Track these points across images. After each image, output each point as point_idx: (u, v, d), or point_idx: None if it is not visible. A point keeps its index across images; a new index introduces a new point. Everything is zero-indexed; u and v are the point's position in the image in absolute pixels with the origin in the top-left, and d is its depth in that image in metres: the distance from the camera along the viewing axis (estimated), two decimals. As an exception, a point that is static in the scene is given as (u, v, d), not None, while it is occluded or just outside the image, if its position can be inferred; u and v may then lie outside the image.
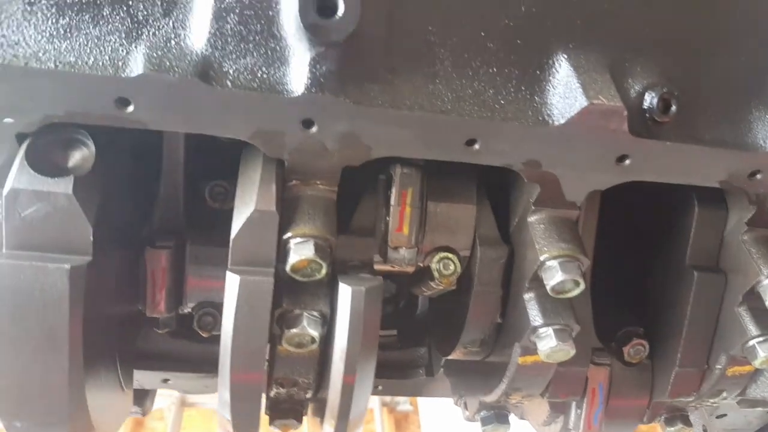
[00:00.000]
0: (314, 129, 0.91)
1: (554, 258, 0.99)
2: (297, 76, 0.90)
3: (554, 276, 0.98)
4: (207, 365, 1.37)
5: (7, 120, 0.89)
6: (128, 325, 1.21)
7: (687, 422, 1.30)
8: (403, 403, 5.40)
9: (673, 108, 0.99)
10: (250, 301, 0.91)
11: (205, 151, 1.20)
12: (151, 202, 1.16)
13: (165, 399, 5.05)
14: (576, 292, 0.99)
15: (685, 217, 1.16)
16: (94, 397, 0.95)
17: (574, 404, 1.22)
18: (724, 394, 1.23)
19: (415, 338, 1.58)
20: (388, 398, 5.28)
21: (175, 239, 1.15)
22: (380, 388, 1.56)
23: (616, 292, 1.26)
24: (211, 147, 1.19)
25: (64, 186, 0.87)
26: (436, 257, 1.11)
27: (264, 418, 1.16)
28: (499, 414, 1.24)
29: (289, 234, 0.95)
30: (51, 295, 0.85)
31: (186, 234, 1.17)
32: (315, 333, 0.95)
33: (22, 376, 0.87)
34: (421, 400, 5.43)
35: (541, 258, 1.00)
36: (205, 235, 1.18)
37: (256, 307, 0.91)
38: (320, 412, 1.10)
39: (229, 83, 0.90)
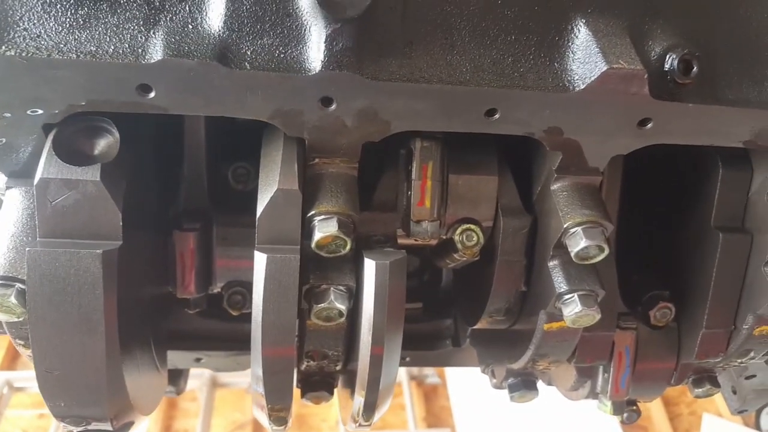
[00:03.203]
0: (333, 107, 0.92)
1: (578, 225, 0.99)
2: (314, 54, 0.90)
3: (578, 242, 0.98)
4: (238, 343, 1.40)
5: (35, 111, 0.91)
6: (160, 306, 1.24)
7: (715, 383, 1.30)
8: (431, 376, 5.45)
9: (695, 69, 0.97)
10: (279, 278, 0.93)
11: (225, 133, 1.21)
12: (176, 185, 1.18)
13: (197, 380, 5.15)
14: (600, 257, 1.00)
15: (710, 179, 1.15)
16: (132, 377, 0.99)
17: (601, 369, 1.23)
18: (752, 354, 1.23)
19: (440, 310, 1.60)
20: (415, 371, 5.33)
21: (201, 221, 1.17)
22: (408, 359, 1.58)
23: (640, 257, 1.26)
24: (232, 129, 1.21)
25: (91, 174, 0.89)
26: (459, 229, 1.11)
27: (296, 391, 1.19)
28: (526, 381, 1.25)
29: (312, 212, 0.96)
30: (85, 279, 0.87)
31: (212, 216, 1.19)
32: (342, 307, 0.97)
33: (63, 358, 0.90)
34: (448, 373, 5.48)
35: (565, 225, 1.00)
36: (230, 216, 1.20)
37: (284, 283, 0.93)
38: (350, 384, 1.12)
39: (247, 65, 0.90)
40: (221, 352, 1.43)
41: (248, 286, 1.20)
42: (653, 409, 5.17)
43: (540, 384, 1.36)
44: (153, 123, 1.06)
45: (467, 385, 5.29)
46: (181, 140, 1.16)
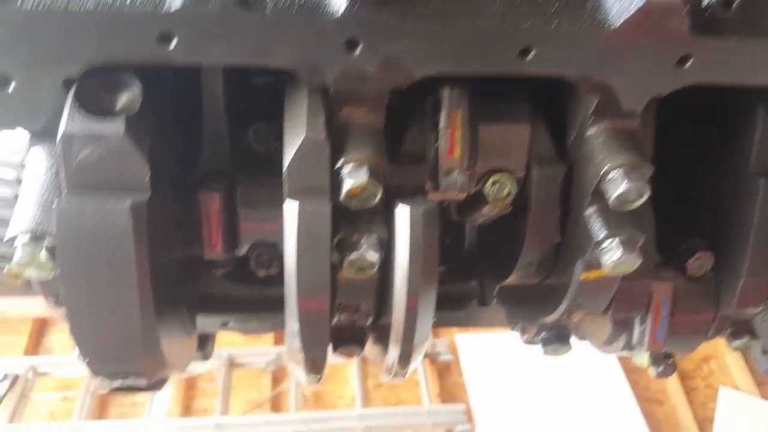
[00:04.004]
0: (359, 50, 0.89)
1: (617, 168, 0.96)
2: (338, -6, 0.87)
3: (618, 186, 0.95)
4: (264, 306, 1.39)
5: (54, 66, 0.89)
6: (189, 269, 1.22)
7: (754, 335, 1.27)
8: (444, 353, 5.47)
9: (736, 1, 0.93)
10: (311, 228, 0.91)
11: (244, 93, 1.19)
12: (198, 146, 1.16)
13: (214, 361, 5.20)
14: (640, 201, 0.96)
15: (749, 122, 1.11)
16: (165, 334, 0.97)
17: (637, 320, 1.20)
18: (794, 302, 1.20)
19: (464, 273, 1.58)
20: (428, 348, 5.35)
21: (225, 181, 1.15)
22: (434, 319, 1.56)
23: (676, 205, 1.23)
24: (250, 90, 1.18)
25: (116, 126, 0.87)
26: (490, 180, 1.08)
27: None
28: (559, 334, 1.23)
29: (341, 162, 0.94)
30: (115, 232, 0.86)
31: (234, 177, 1.17)
32: (374, 257, 0.95)
33: (96, 312, 0.89)
34: (461, 349, 5.48)
35: (604, 169, 0.97)
36: (253, 176, 1.18)
37: (316, 232, 0.91)
38: (382, 340, 1.11)
39: (268, 9, 0.88)
40: (248, 314, 1.41)
41: (273, 246, 1.19)
42: (669, 382, 5.18)
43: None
44: (173, 83, 1.04)
45: (480, 361, 5.30)
46: (200, 101, 1.14)
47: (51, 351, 5.39)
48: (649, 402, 5.14)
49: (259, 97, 1.18)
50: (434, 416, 4.75)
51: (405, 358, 1.01)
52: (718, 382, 5.13)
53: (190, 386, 5.31)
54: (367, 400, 5.06)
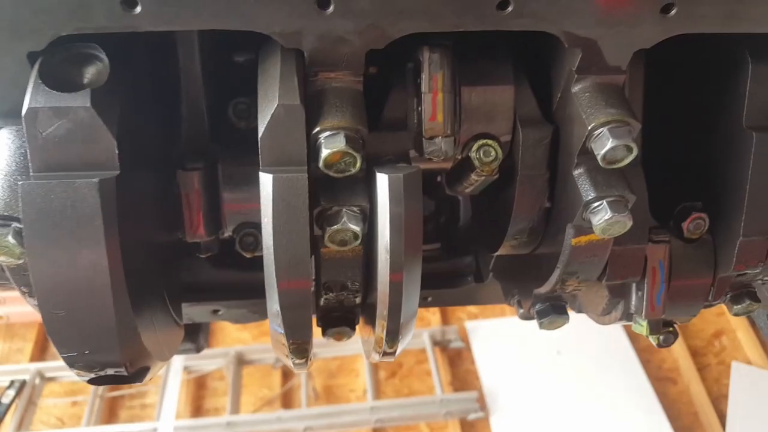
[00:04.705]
0: (331, 8, 0.86)
1: (603, 125, 0.92)
2: (307, -47, 0.84)
3: (605, 143, 0.91)
4: (254, 292, 1.36)
5: (17, 39, 0.86)
6: (172, 255, 1.19)
7: (755, 298, 1.23)
8: (455, 340, 5.44)
9: (720, -55, 0.89)
10: (287, 199, 0.87)
11: (222, 69, 1.16)
12: (176, 126, 1.13)
13: (223, 359, 5.20)
14: (629, 159, 0.93)
15: (738, 76, 1.07)
16: (144, 321, 0.94)
17: (634, 287, 1.17)
18: (795, 261, 1.16)
19: (459, 250, 1.55)
20: (438, 337, 5.33)
21: (204, 160, 1.12)
22: (430, 299, 1.53)
23: (669, 166, 1.19)
24: (228, 65, 1.15)
25: (81, 99, 0.84)
26: (475, 145, 1.05)
27: (317, 330, 1.15)
28: (555, 305, 1.19)
29: (317, 128, 0.90)
30: (83, 210, 0.82)
31: (216, 155, 1.14)
32: (357, 228, 0.91)
33: (67, 297, 0.85)
34: (472, 336, 5.45)
35: (590, 127, 0.93)
36: (235, 154, 1.15)
37: (293, 204, 0.87)
38: (372, 319, 1.07)
39: (237, -30, 0.84)
40: (238, 301, 1.38)
41: (259, 226, 1.16)
42: (681, 360, 5.13)
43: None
44: (146, 55, 1.01)
45: (492, 347, 5.27)
46: (177, 78, 1.11)
47: (57, 356, 5.37)
48: (662, 381, 5.10)
49: (241, 72, 1.15)
50: (447, 405, 4.72)
51: (392, 336, 0.97)
52: (730, 357, 5.08)
53: (200, 386, 5.30)
54: (378, 393, 5.04)
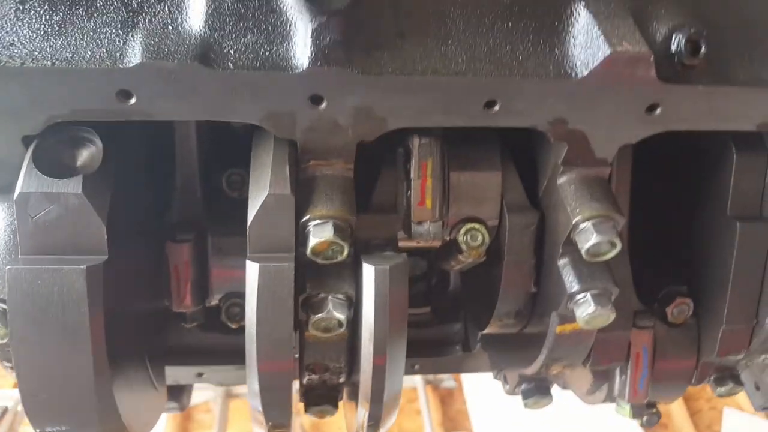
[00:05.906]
0: (324, 105, 0.87)
1: (587, 219, 0.94)
2: (301, 50, 0.86)
3: (589, 238, 0.93)
4: (240, 356, 1.35)
5: (13, 123, 0.87)
6: (156, 321, 1.19)
7: (738, 381, 1.24)
8: (447, 379, 5.39)
9: (703, 49, 0.92)
10: (272, 288, 0.88)
11: (218, 139, 1.17)
12: (168, 195, 1.14)
13: (210, 392, 5.13)
14: (612, 253, 0.94)
15: (723, 166, 1.10)
16: (124, 396, 0.94)
17: (618, 370, 1.17)
18: (777, 350, 1.17)
19: (449, 315, 1.55)
20: (431, 376, 5.28)
21: (195, 231, 1.13)
22: (417, 367, 1.53)
23: (655, 251, 1.20)
24: (224, 135, 1.16)
25: (73, 186, 0.85)
26: (463, 229, 1.06)
27: (300, 406, 1.14)
28: (540, 386, 1.19)
29: (307, 216, 0.91)
30: (69, 297, 0.83)
31: (206, 225, 1.15)
32: (341, 316, 0.92)
33: (48, 381, 0.86)
34: (464, 376, 5.43)
35: (574, 220, 0.95)
36: (225, 225, 1.15)
37: (278, 293, 0.88)
38: (355, 396, 1.07)
39: (230, 64, 0.86)
40: (223, 366, 1.38)
41: (245, 296, 1.16)
42: (673, 405, 5.10)
43: (557, 387, 1.30)
44: (141, 130, 1.03)
45: (484, 388, 5.23)
46: (173, 147, 1.12)
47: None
48: (653, 426, 5.07)
49: (234, 141, 1.16)
50: (437, 445, 4.67)
51: (375, 419, 0.97)
52: (723, 403, 5.05)
53: (186, 418, 5.23)
54: (366, 431, 4.99)
